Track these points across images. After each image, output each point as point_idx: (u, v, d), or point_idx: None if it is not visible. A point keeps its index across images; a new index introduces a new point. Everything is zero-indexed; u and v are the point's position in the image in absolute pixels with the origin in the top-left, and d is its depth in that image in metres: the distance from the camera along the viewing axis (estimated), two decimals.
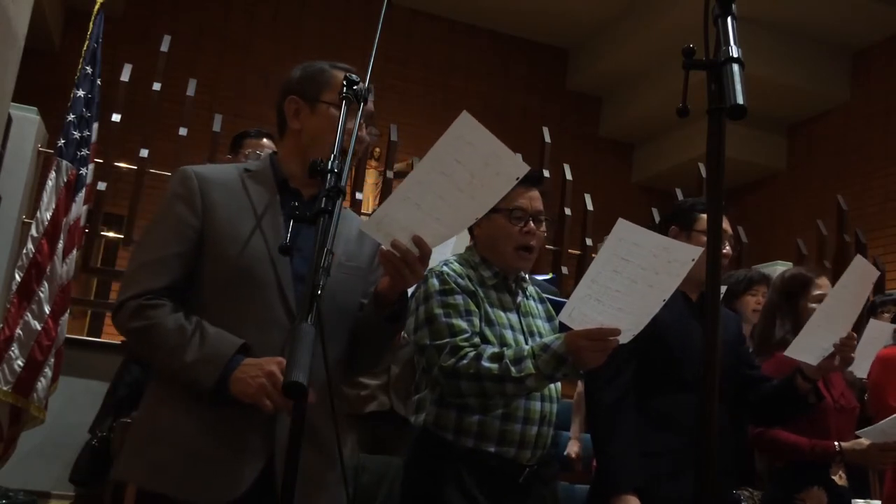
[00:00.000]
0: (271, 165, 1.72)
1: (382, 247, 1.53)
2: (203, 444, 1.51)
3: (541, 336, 2.13)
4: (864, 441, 2.60)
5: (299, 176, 1.68)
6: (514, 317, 2.12)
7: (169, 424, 1.55)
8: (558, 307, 2.88)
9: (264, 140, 3.33)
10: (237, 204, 1.63)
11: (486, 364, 1.91)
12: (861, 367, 2.71)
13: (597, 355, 1.85)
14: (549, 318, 2.23)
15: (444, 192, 1.50)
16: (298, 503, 1.22)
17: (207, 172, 1.67)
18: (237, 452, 1.51)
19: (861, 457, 2.60)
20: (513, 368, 1.89)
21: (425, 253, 1.52)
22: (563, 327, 1.93)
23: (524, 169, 1.56)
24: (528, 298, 2.21)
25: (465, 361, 1.93)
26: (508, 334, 2.06)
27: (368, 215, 2.99)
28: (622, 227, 1.79)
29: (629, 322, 1.84)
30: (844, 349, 2.38)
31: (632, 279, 1.79)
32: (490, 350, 1.95)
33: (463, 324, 1.99)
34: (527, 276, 2.23)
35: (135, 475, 1.56)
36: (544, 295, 2.35)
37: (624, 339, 1.85)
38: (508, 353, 1.93)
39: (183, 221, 1.60)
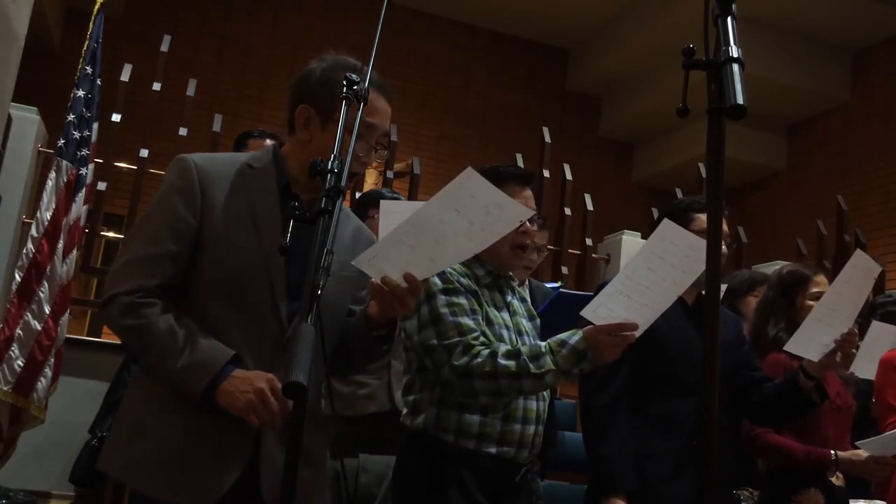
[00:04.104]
0: (275, 162, 1.67)
1: (373, 280, 1.54)
2: (183, 446, 1.51)
3: (527, 335, 2.14)
4: (862, 452, 2.59)
5: (301, 182, 1.65)
6: (506, 316, 2.12)
7: (151, 422, 1.55)
8: (575, 302, 2.88)
9: (268, 141, 3.34)
10: (236, 205, 1.59)
11: (502, 361, 1.91)
12: (864, 369, 2.70)
13: (615, 349, 1.89)
14: (531, 317, 2.24)
15: (440, 237, 1.54)
16: None
17: (208, 166, 1.61)
18: (218, 457, 1.51)
19: (857, 468, 2.59)
20: (531, 365, 1.90)
21: (415, 287, 1.54)
22: (582, 322, 1.93)
23: (527, 214, 1.61)
24: (513, 297, 2.22)
25: (479, 360, 1.92)
26: (506, 334, 2.06)
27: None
28: (666, 227, 1.88)
29: (647, 317, 1.91)
30: (846, 345, 2.37)
31: (662, 277, 1.87)
32: (504, 347, 1.96)
33: (470, 322, 1.98)
34: (528, 279, 2.22)
35: (114, 468, 1.57)
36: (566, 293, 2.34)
37: (637, 333, 1.91)
38: (524, 349, 1.94)
39: (180, 219, 1.57)
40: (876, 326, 2.68)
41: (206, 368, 1.48)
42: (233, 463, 1.51)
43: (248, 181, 1.62)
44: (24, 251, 3.98)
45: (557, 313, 2.56)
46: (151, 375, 1.59)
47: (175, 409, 1.53)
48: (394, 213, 2.88)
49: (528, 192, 2.17)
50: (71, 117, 4.27)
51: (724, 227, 2.43)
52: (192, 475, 1.50)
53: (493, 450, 1.99)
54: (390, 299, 1.54)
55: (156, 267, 1.55)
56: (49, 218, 4.02)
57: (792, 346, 2.41)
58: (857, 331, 2.41)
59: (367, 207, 3.11)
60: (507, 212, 1.57)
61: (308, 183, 1.59)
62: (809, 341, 2.39)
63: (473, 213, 1.54)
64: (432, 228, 1.54)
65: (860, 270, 2.38)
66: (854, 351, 2.40)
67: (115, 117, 5.30)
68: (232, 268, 1.55)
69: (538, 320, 2.27)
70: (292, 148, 1.69)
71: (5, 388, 3.77)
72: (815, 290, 2.72)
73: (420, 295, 1.60)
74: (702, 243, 1.87)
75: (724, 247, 2.38)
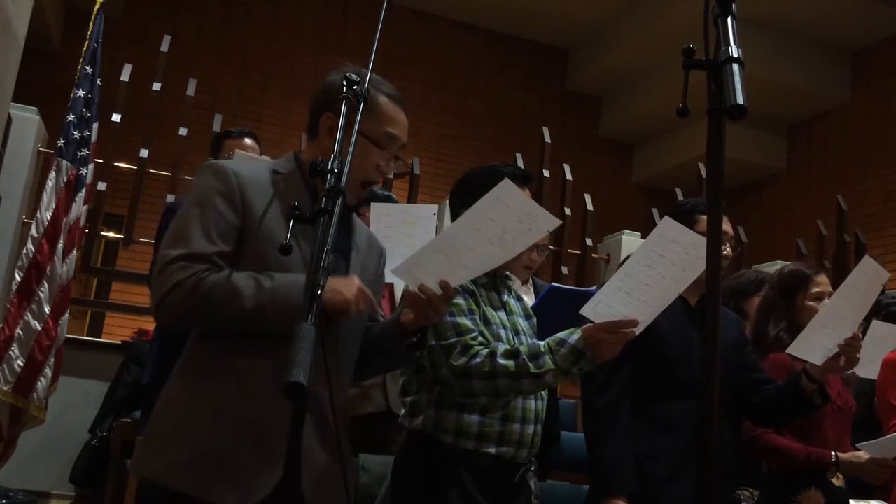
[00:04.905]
0: (298, 168, 1.71)
1: (409, 288, 1.63)
2: (226, 446, 1.51)
3: (524, 334, 2.14)
4: (862, 454, 2.59)
5: (321, 187, 1.67)
6: (503, 315, 2.12)
7: (192, 423, 1.54)
8: (568, 298, 2.88)
9: (246, 140, 3.28)
10: (273, 207, 1.60)
11: (501, 361, 1.91)
12: (866, 369, 2.70)
13: (614, 347, 1.88)
14: (528, 317, 2.24)
15: (475, 244, 1.65)
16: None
17: (241, 170, 1.63)
18: (260, 458, 1.51)
19: (857, 470, 2.59)
20: (530, 364, 1.89)
21: (449, 295, 1.63)
22: (581, 321, 1.92)
23: (556, 223, 1.71)
24: (509, 296, 2.21)
25: (478, 360, 1.92)
26: (503, 333, 2.06)
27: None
28: (666, 224, 1.87)
29: (647, 314, 1.90)
30: (850, 350, 2.37)
31: (662, 274, 1.86)
32: (503, 347, 1.95)
33: (468, 322, 1.98)
34: (532, 279, 2.22)
35: (154, 472, 1.55)
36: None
37: (637, 330, 1.90)
38: (523, 349, 1.93)
39: (226, 219, 1.56)
40: (876, 326, 2.68)
41: (296, 281, 1.48)
42: (275, 462, 1.51)
43: (280, 186, 1.64)
44: (24, 251, 3.98)
45: (550, 309, 2.56)
46: (241, 323, 1.53)
47: (214, 408, 1.54)
48: (385, 215, 2.88)
49: (527, 193, 2.16)
50: (71, 117, 4.28)
51: (729, 230, 2.44)
52: (236, 475, 1.50)
53: (492, 450, 1.98)
54: (426, 307, 1.61)
55: (208, 264, 1.53)
56: (49, 218, 4.03)
57: (795, 349, 2.40)
58: (861, 335, 2.40)
59: (358, 205, 3.10)
60: (538, 221, 1.66)
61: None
62: (813, 345, 2.38)
63: (507, 221, 1.64)
64: (468, 237, 1.64)
65: (868, 277, 2.37)
66: (858, 356, 2.39)
67: (115, 117, 5.30)
68: (272, 269, 1.55)
69: (535, 319, 2.26)
70: (313, 154, 1.70)
71: (5, 388, 3.77)
72: (815, 290, 2.72)
73: (450, 300, 1.67)
74: (702, 241, 1.87)
75: (728, 249, 2.38)
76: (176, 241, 1.56)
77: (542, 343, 1.94)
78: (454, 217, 2.22)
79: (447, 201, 2.33)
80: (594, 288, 3.20)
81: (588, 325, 1.89)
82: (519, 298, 2.28)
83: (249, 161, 2.78)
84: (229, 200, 1.58)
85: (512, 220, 1.63)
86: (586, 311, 1.88)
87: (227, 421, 1.53)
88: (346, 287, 1.50)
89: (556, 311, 2.33)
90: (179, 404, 1.58)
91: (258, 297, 1.49)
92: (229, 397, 1.54)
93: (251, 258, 1.57)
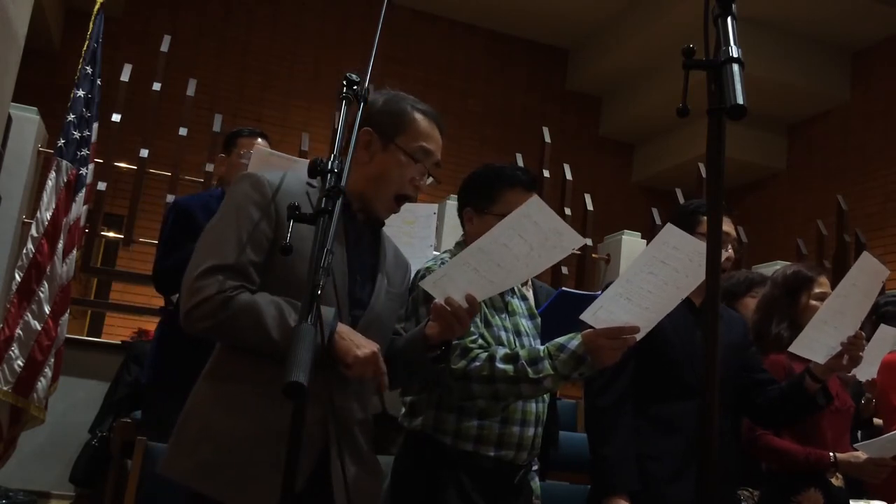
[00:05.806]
0: None
1: (437, 301, 1.66)
2: (252, 452, 1.53)
3: (527, 335, 2.13)
4: (861, 455, 2.59)
5: (356, 201, 1.71)
6: (505, 317, 2.11)
7: (216, 428, 1.56)
8: (577, 301, 2.88)
9: (258, 140, 3.30)
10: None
11: (500, 366, 1.91)
12: (865, 371, 2.70)
13: (614, 353, 1.87)
14: (532, 317, 2.23)
15: (503, 260, 1.69)
16: None
17: (277, 182, 1.65)
18: (276, 465, 1.49)
19: (856, 470, 2.59)
20: (529, 369, 1.89)
21: (475, 309, 1.67)
22: (582, 326, 1.92)
23: (581, 242, 1.75)
24: (513, 297, 2.21)
25: (477, 363, 1.92)
26: (504, 336, 2.05)
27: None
28: (669, 231, 1.87)
29: (648, 320, 1.90)
30: (852, 348, 2.36)
31: (664, 281, 1.86)
32: (502, 351, 1.94)
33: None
34: (531, 280, 2.21)
35: (180, 473, 1.58)
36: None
37: (638, 336, 1.90)
38: (523, 353, 1.93)
39: (259, 229, 1.59)
40: (884, 329, 2.68)
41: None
42: (301, 468, 1.52)
43: (312, 199, 1.65)
44: (24, 251, 3.98)
45: (559, 312, 2.56)
46: (259, 350, 1.57)
47: (244, 413, 1.56)
48: None
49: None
50: (71, 117, 4.27)
51: (732, 232, 2.44)
52: (259, 480, 1.51)
53: (491, 452, 1.98)
54: (451, 320, 1.64)
55: (239, 275, 1.56)
56: (49, 218, 4.03)
57: (797, 347, 2.40)
58: (863, 334, 2.40)
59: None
60: (564, 239, 1.70)
61: (361, 201, 1.70)
62: (814, 343, 2.37)
63: (534, 238, 1.68)
64: (497, 252, 1.68)
65: (867, 273, 2.36)
66: (861, 354, 2.39)
67: (115, 117, 5.30)
68: (300, 279, 1.54)
69: (538, 319, 2.26)
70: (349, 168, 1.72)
71: (5, 388, 3.77)
72: (818, 290, 2.72)
73: (475, 314, 1.70)
74: (705, 248, 1.87)
75: (730, 251, 2.38)
76: (209, 249, 1.59)
77: (541, 348, 1.94)
78: (460, 214, 2.22)
79: (447, 201, 2.32)
80: (601, 292, 3.20)
81: (588, 330, 1.89)
82: (523, 298, 2.27)
83: (286, 163, 2.78)
84: (264, 212, 1.60)
85: (540, 237, 1.67)
86: (587, 316, 1.87)
87: (249, 428, 1.55)
88: (364, 347, 1.51)
89: (564, 314, 2.33)
90: (206, 409, 1.61)
91: (280, 334, 1.52)
92: (250, 405, 1.56)
93: (280, 271, 1.59)
